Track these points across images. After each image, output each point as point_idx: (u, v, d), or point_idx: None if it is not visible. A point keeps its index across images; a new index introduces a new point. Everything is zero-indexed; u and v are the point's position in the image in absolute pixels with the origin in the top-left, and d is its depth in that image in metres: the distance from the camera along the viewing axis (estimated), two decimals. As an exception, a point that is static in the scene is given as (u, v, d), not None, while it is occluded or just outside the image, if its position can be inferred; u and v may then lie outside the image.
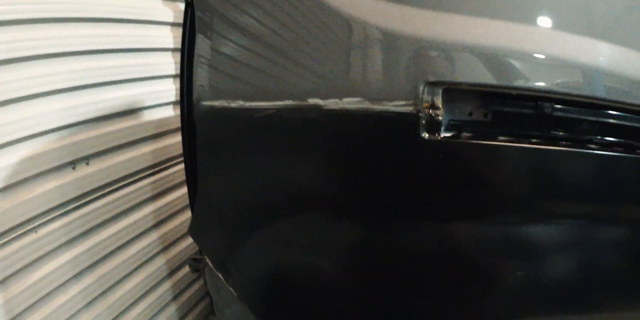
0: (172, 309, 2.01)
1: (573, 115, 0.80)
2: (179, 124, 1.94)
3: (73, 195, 1.52)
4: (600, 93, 0.79)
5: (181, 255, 2.04)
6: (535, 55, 0.77)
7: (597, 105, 0.79)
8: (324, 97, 0.87)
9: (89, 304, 1.60)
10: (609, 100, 0.80)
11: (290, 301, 1.09)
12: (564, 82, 0.80)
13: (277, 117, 0.94)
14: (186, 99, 1.21)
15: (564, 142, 0.80)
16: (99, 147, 1.60)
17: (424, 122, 0.79)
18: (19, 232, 1.35)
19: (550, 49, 0.78)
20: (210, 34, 1.07)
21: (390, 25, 0.82)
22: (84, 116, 1.54)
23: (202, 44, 1.08)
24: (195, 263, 1.62)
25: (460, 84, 0.78)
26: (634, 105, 0.80)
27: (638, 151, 0.80)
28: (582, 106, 0.80)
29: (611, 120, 0.81)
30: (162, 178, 1.93)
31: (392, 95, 0.81)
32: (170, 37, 1.94)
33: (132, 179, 1.77)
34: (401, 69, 0.81)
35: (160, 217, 1.92)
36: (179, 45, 1.76)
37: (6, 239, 1.32)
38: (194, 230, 1.31)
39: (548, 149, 0.79)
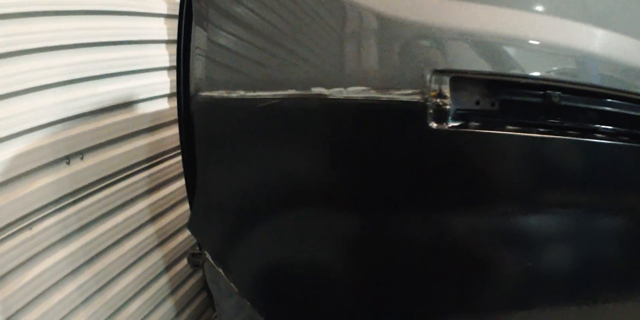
0: (169, 303, 2.01)
1: (581, 105, 0.79)
2: (174, 117, 1.93)
3: (68, 191, 1.50)
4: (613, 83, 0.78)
5: (178, 249, 2.02)
6: (545, 43, 0.76)
7: (605, 94, 0.79)
8: (328, 86, 0.85)
9: (87, 300, 1.59)
10: (617, 90, 0.79)
11: (291, 294, 1.08)
12: (572, 71, 0.79)
13: (279, 107, 0.93)
14: (183, 91, 1.19)
15: (571, 132, 0.79)
16: (93, 142, 1.58)
17: (431, 111, 0.78)
18: (14, 230, 1.33)
19: (556, 36, 0.77)
20: (208, 25, 1.05)
21: (397, 13, 0.80)
22: (78, 110, 1.51)
23: (199, 36, 1.07)
24: (195, 258, 1.61)
25: (467, 72, 0.77)
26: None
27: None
28: (589, 95, 0.79)
29: (617, 110, 0.80)
30: (157, 172, 1.91)
31: (398, 84, 0.80)
32: (165, 29, 1.92)
33: (127, 173, 1.74)
34: (408, 57, 0.80)
35: (156, 211, 1.91)
36: (173, 37, 1.73)
37: (1, 237, 1.30)
38: (193, 224, 1.30)
39: (556, 139, 0.79)
